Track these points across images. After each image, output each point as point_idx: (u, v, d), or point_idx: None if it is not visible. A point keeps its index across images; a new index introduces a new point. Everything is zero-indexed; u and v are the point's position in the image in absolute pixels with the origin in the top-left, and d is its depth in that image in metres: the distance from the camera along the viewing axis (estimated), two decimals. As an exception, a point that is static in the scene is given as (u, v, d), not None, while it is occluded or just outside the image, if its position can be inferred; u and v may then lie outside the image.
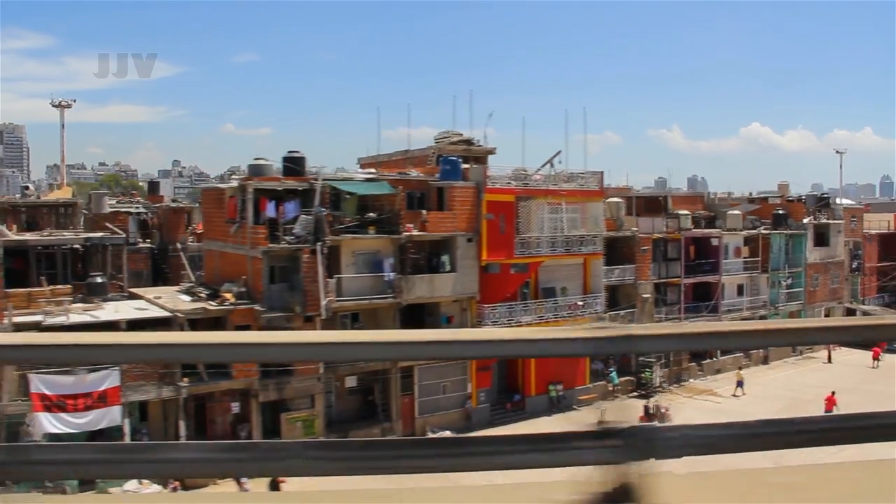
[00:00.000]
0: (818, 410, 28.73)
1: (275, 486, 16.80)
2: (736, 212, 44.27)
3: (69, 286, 28.75)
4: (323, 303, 28.50)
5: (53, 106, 48.53)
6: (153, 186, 48.44)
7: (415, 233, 30.79)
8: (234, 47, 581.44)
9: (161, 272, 37.83)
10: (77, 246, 31.04)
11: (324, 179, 29.53)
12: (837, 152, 63.42)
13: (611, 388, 36.98)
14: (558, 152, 33.76)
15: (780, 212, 45.25)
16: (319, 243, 28.39)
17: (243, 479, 21.23)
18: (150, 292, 31.55)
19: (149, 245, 37.68)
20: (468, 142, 42.02)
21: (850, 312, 46.42)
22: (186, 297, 29.34)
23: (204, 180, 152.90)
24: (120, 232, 33.37)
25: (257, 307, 27.38)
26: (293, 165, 29.24)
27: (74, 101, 49.56)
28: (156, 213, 39.99)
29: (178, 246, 37.54)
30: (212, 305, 27.21)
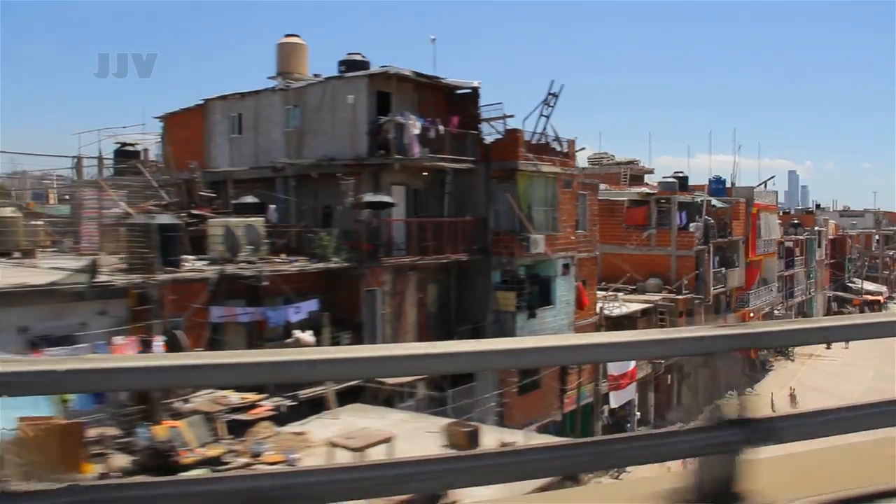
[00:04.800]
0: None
1: None
2: (777, 221, 59.87)
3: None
4: (712, 291, 35.90)
5: None
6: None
7: (728, 238, 39.53)
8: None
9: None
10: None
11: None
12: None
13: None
14: (773, 176, 44.82)
15: (796, 221, 62.04)
16: (709, 244, 35.74)
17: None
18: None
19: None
20: (632, 162, 51.07)
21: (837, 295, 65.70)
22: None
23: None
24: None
25: (694, 297, 33.86)
26: (682, 181, 36.05)
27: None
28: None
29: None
30: (671, 297, 32.95)
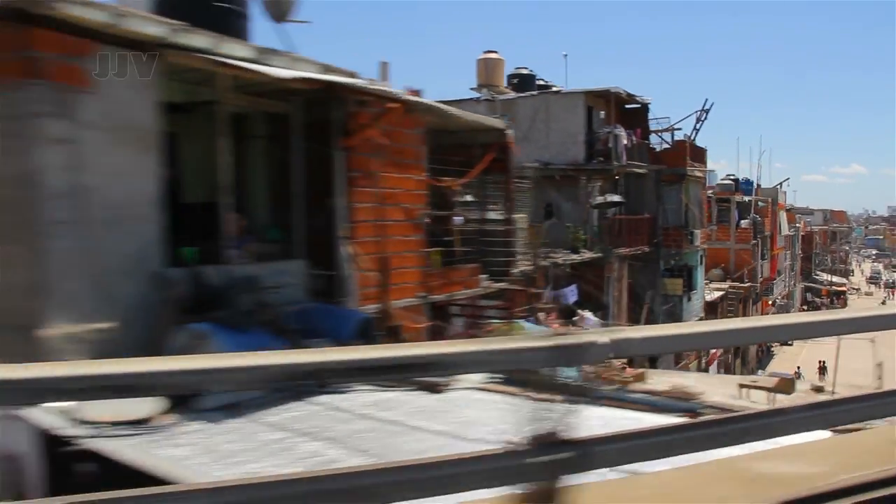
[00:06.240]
0: None
1: None
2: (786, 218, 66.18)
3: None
4: (759, 279, 40.78)
5: None
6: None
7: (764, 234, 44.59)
8: None
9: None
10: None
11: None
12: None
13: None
14: (787, 178, 50.28)
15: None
16: (758, 239, 40.59)
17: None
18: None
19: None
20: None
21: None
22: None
23: None
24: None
25: (752, 285, 38.55)
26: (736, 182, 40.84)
27: None
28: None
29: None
30: (736, 285, 37.51)
